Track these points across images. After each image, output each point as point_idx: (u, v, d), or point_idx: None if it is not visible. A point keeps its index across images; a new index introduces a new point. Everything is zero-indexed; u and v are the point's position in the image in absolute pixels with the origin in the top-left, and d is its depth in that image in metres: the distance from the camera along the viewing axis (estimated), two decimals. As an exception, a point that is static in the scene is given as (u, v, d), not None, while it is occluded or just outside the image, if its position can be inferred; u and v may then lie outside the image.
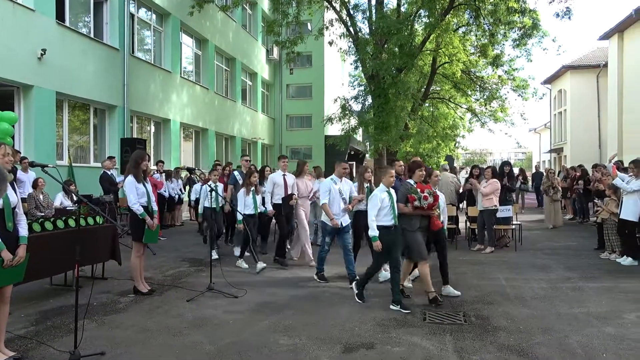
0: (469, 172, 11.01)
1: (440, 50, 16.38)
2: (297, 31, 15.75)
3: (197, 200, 10.50)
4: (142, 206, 5.80)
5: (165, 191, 12.24)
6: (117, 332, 4.59)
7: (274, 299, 5.81)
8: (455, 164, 22.94)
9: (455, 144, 20.88)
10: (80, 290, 4.04)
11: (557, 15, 13.69)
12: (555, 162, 32.16)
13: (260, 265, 7.45)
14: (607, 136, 24.12)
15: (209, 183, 8.53)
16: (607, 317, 4.98)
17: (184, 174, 14.06)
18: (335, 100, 17.19)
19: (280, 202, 8.07)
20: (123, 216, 10.98)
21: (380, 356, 4.00)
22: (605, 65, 24.01)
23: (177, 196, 12.95)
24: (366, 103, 16.56)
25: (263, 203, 8.12)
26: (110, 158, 11.18)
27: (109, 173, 10.78)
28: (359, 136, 26.09)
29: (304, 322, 4.91)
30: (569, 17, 13.56)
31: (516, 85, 17.53)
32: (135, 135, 14.53)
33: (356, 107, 17.51)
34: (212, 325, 4.78)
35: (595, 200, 9.55)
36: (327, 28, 15.70)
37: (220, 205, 8.76)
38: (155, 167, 12.32)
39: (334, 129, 21.93)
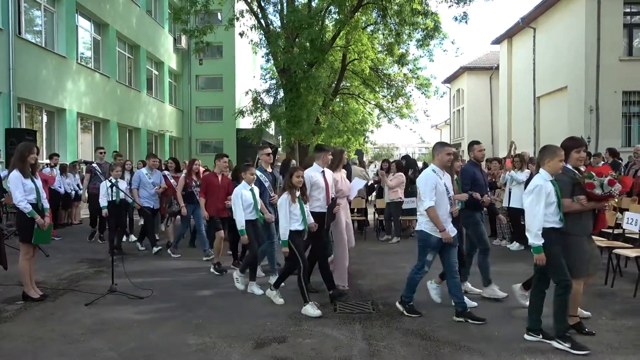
0: (378, 165, 11.46)
1: (350, 47, 16.78)
2: (207, 20, 15.28)
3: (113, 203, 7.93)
4: (31, 204, 5.28)
5: (60, 187, 11.27)
6: (3, 343, 4.14)
7: (182, 298, 5.59)
8: (364, 158, 23.71)
9: (364, 139, 21.57)
10: (-45, 299, 3.58)
11: (456, 19, 14.63)
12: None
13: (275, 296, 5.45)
14: (498, 133, 26.35)
15: (109, 178, 7.74)
16: (499, 299, 5.42)
17: (84, 167, 13.04)
18: (247, 92, 16.96)
19: (322, 210, 5.65)
20: (10, 215, 9.93)
21: (292, 349, 4.02)
22: (497, 68, 26.17)
23: (73, 192, 11.98)
24: (278, 97, 16.54)
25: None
26: (-6, 151, 10.06)
27: (-6, 168, 9.71)
28: (271, 130, 25.99)
29: (214, 320, 4.79)
30: (466, 22, 14.56)
31: (420, 83, 18.50)
32: (24, 126, 13.20)
33: (268, 100, 17.42)
34: (114, 330, 4.49)
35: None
36: (237, 19, 15.38)
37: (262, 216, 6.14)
38: (47, 161, 11.28)
39: (246, 122, 21.62)
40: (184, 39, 24.17)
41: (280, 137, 21.63)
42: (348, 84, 20.22)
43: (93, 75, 16.93)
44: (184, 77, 26.96)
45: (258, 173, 6.28)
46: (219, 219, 6.99)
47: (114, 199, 7.74)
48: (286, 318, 4.82)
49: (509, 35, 23.50)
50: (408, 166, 10.59)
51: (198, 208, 7.56)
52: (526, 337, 4.13)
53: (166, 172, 8.92)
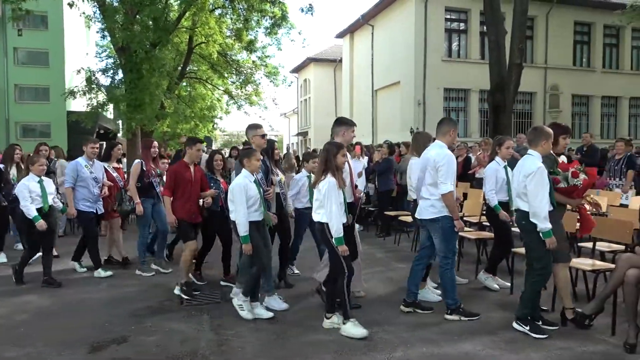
0: (228, 153, 11.37)
1: (196, 29, 16.15)
2: (26, -16, 13.21)
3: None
4: None
5: None
6: None
7: (2, 304, 4.85)
8: (213, 145, 23.27)
9: (213, 125, 21.07)
10: None
11: (302, 10, 15.05)
12: (301, 145, 35.78)
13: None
14: (342, 122, 28.04)
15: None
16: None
17: None
18: (79, 71, 15.24)
19: (350, 199, 4.61)
20: None
21: (134, 349, 3.79)
22: (341, 61, 27.73)
23: None
24: (116, 77, 15.18)
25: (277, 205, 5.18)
26: None
27: None
28: (109, 113, 23.82)
29: (42, 326, 4.27)
30: (312, 14, 15.08)
31: (268, 71, 18.65)
32: None
33: (105, 81, 15.89)
34: None
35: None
36: (65, -14, 13.66)
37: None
38: None
39: (79, 104, 19.44)
40: (-4, 3, 20.64)
41: (120, 121, 19.96)
42: (195, 68, 19.47)
43: None
44: (-2, 48, 23.10)
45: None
46: (191, 224, 5.29)
47: (40, 205, 5.49)
48: (127, 316, 4.51)
49: (351, 30, 25.02)
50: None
51: (159, 204, 6.08)
52: (515, 325, 4.00)
53: (105, 164, 6.45)
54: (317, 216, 4.14)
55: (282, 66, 19.80)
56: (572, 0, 20.34)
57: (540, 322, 4.04)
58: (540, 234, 3.83)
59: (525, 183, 3.90)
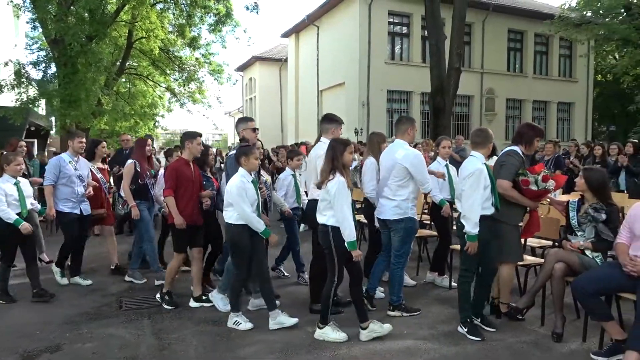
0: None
1: (137, 24, 15.58)
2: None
3: None
4: None
5: None
6: None
7: None
8: (155, 144, 22.46)
9: (154, 124, 20.40)
10: None
11: (247, 8, 14.91)
12: (247, 144, 35.40)
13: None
14: (287, 122, 28.03)
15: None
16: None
17: None
18: (7, 63, 14.28)
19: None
20: None
21: (68, 357, 3.61)
22: (286, 60, 27.69)
23: None
24: (49, 71, 14.39)
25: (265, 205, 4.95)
26: None
27: None
28: (41, 109, 22.49)
29: (-37, 337, 3.96)
30: (257, 12, 14.98)
31: (212, 69, 18.30)
32: None
33: (36, 74, 15.01)
34: None
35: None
36: (-9, -28, 12.78)
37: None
38: None
39: (6, 99, 18.22)
40: None
41: (53, 118, 18.94)
42: (135, 64, 18.76)
43: None
44: None
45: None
46: (194, 228, 4.75)
47: (18, 210, 4.82)
48: (61, 323, 4.28)
49: (296, 30, 25.04)
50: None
51: (155, 208, 5.77)
52: (459, 329, 4.02)
53: (89, 163, 5.82)
54: (322, 218, 3.90)
55: (227, 64, 19.55)
56: (506, 9, 21.45)
57: (479, 320, 4.12)
58: (466, 236, 3.88)
59: (462, 184, 3.99)
